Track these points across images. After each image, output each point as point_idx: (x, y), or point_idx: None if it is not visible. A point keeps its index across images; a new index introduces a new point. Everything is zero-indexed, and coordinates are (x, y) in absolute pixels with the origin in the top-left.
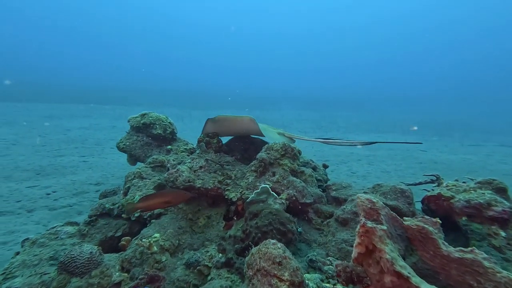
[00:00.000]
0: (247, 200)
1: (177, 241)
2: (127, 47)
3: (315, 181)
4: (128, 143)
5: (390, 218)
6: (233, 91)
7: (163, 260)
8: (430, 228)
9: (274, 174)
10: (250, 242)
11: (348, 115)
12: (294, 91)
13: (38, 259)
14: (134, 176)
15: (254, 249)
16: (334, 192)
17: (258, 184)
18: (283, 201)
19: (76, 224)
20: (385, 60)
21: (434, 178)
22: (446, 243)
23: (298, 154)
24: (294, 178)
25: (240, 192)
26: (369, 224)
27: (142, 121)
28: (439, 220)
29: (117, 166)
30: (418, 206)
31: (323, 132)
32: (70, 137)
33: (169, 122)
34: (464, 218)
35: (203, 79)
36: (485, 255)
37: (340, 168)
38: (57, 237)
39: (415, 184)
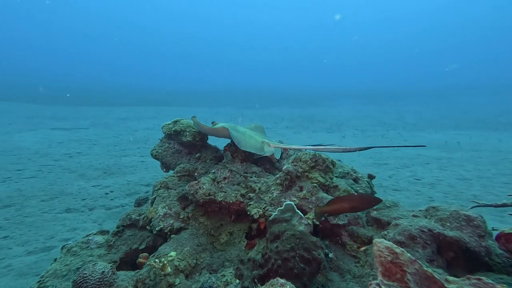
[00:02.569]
0: (270, 218)
1: (194, 261)
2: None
3: None
4: (160, 151)
5: (422, 278)
6: (288, 88)
7: (177, 283)
8: None
9: (301, 189)
10: (256, 279)
11: (418, 109)
12: (354, 85)
13: (67, 269)
14: (161, 186)
15: None
16: (375, 212)
17: (282, 200)
18: (310, 221)
19: (107, 233)
20: (466, 43)
21: None
22: None
23: (331, 166)
24: (325, 195)
25: (263, 208)
26: None
27: (173, 128)
28: (505, 287)
29: None
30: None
31: (385, 130)
32: (136, 138)
33: None
34: None
35: (257, 79)
36: None
37: (400, 173)
38: (88, 247)
39: (496, 206)
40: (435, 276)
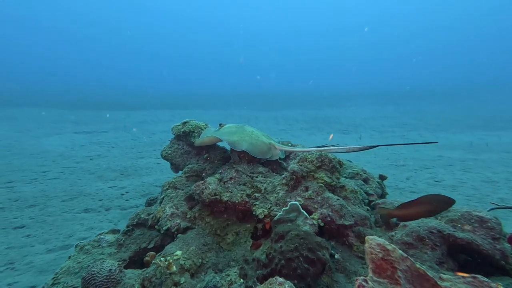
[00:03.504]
0: (275, 218)
1: (200, 260)
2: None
3: (360, 198)
4: (170, 152)
5: (414, 276)
6: (302, 90)
7: (182, 281)
8: None
9: (307, 189)
10: (255, 279)
11: (442, 109)
12: (371, 85)
13: (79, 267)
14: (169, 186)
15: None
16: None
17: (288, 200)
18: (315, 221)
19: (118, 232)
20: (494, 36)
21: None
22: None
23: (337, 166)
24: (331, 195)
25: (268, 208)
26: None
27: (182, 130)
28: (501, 285)
29: None
30: None
31: (405, 131)
32: (153, 140)
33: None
34: None
35: (267, 80)
36: None
37: (419, 175)
38: (99, 245)
39: None
40: (428, 273)
